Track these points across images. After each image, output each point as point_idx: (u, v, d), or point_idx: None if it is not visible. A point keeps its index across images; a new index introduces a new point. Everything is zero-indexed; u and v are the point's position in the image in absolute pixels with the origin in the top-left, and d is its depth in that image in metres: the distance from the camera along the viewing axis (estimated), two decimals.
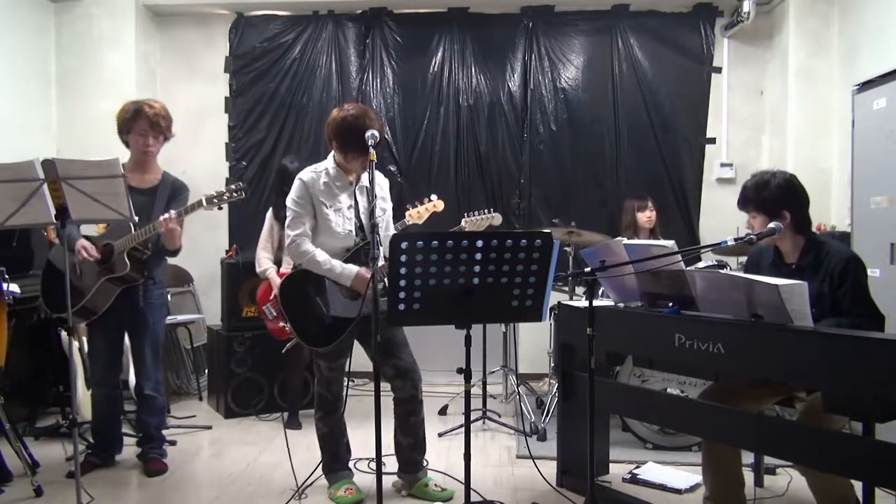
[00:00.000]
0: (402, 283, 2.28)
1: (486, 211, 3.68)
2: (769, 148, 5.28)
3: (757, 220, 2.65)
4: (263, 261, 4.10)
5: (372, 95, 5.38)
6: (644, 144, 5.28)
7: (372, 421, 2.46)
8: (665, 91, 5.27)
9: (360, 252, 3.00)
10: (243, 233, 5.35)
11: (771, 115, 5.27)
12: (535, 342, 4.95)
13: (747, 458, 2.99)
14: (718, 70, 5.33)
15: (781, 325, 2.25)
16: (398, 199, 4.92)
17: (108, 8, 5.14)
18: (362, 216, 3.06)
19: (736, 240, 2.52)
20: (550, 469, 3.27)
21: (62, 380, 4.19)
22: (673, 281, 2.60)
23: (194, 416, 4.43)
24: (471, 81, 5.35)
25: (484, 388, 4.36)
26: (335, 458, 3.17)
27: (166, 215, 3.13)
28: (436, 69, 5.37)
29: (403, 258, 2.24)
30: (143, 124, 3.32)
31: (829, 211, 4.75)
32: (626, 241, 2.89)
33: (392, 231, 3.15)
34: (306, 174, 3.01)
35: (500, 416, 4.28)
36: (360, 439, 3.37)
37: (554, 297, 3.75)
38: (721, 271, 2.81)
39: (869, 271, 2.67)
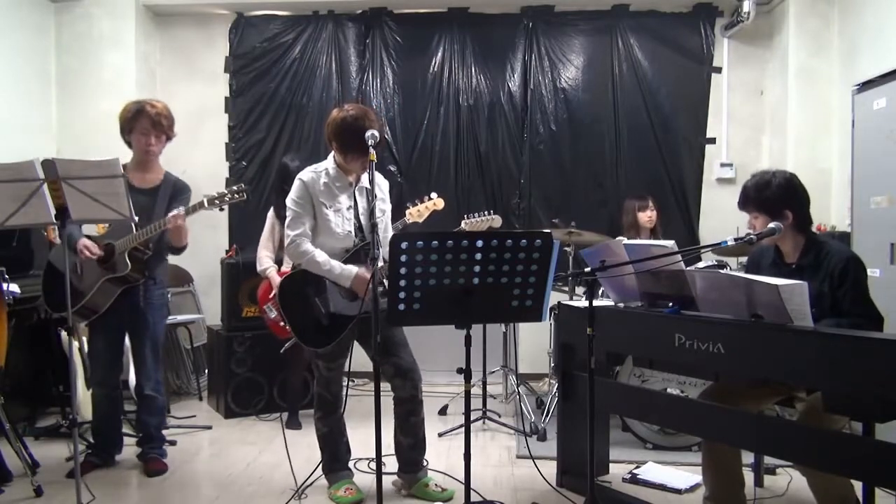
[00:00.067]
0: (402, 283, 2.28)
1: (485, 213, 3.68)
2: (769, 148, 5.29)
3: (759, 220, 2.65)
4: (264, 260, 4.10)
5: (372, 95, 5.38)
6: (644, 144, 5.28)
7: (372, 421, 2.46)
8: (665, 91, 5.27)
9: (359, 252, 3.00)
10: (243, 233, 5.35)
11: (771, 115, 5.27)
12: (535, 342, 4.95)
13: (747, 458, 2.99)
14: (718, 70, 5.33)
15: (781, 325, 2.25)
16: (398, 200, 4.94)
17: (108, 8, 5.14)
18: (361, 217, 3.06)
19: (736, 240, 2.52)
20: (550, 469, 3.27)
21: (62, 380, 4.19)
22: (673, 281, 2.60)
23: (194, 416, 4.43)
24: (471, 81, 5.35)
25: (484, 388, 4.36)
26: (335, 458, 3.17)
27: (175, 211, 3.13)
28: (436, 69, 5.37)
29: (403, 258, 2.24)
30: (145, 124, 3.32)
31: (829, 211, 4.75)
32: (626, 241, 2.89)
33: (390, 232, 3.15)
34: (306, 174, 3.01)
35: (500, 416, 4.28)
36: (360, 439, 3.37)
37: (554, 297, 3.75)
38: (721, 271, 2.81)
39: (869, 271, 2.67)
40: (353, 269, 2.93)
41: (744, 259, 3.36)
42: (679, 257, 2.57)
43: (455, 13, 5.37)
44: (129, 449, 3.59)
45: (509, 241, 2.32)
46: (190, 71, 5.52)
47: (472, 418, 2.84)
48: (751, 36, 5.26)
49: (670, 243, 2.63)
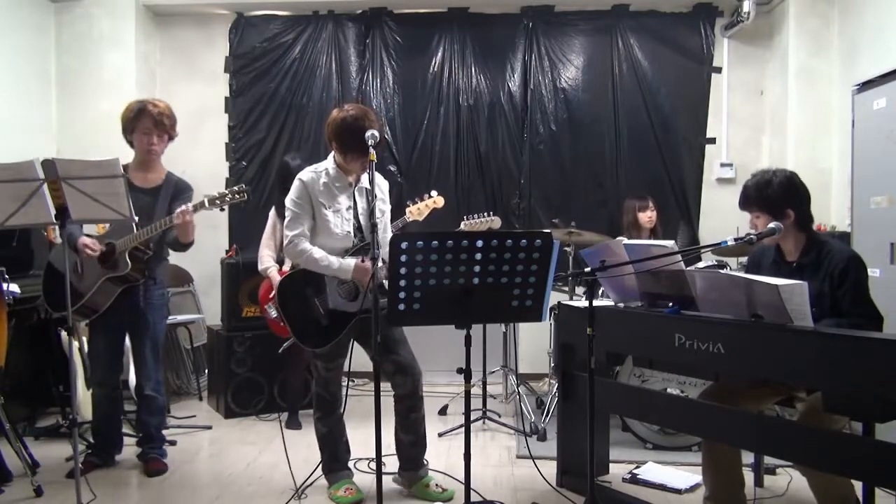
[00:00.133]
0: (402, 283, 2.28)
1: (485, 214, 3.67)
2: (769, 148, 5.29)
3: (760, 220, 2.64)
4: (266, 259, 4.10)
5: (372, 95, 5.38)
6: (644, 144, 5.28)
7: (372, 421, 2.46)
8: (665, 91, 5.27)
9: (358, 253, 3.00)
10: (243, 233, 5.35)
11: (771, 115, 5.27)
12: (535, 342, 4.95)
13: (747, 458, 2.99)
14: (718, 70, 5.33)
15: (781, 325, 2.25)
16: (398, 200, 4.94)
17: (108, 8, 5.14)
18: (361, 217, 3.06)
19: (736, 240, 2.52)
20: (550, 469, 3.27)
21: (62, 380, 4.19)
22: (673, 281, 2.60)
23: (194, 416, 4.43)
24: (471, 81, 5.35)
25: (484, 388, 4.36)
26: (335, 458, 3.17)
27: (183, 207, 3.13)
28: (436, 69, 5.37)
29: (403, 258, 2.24)
30: (146, 123, 3.32)
31: (829, 211, 4.75)
32: (626, 241, 2.89)
33: (389, 233, 3.15)
34: (306, 174, 3.01)
35: (500, 416, 4.28)
36: (360, 439, 3.37)
37: (554, 297, 3.75)
38: (721, 271, 2.81)
39: (869, 271, 2.67)
40: (351, 261, 2.94)
41: (744, 259, 3.36)
42: (679, 257, 2.57)
43: (455, 13, 5.37)
44: (129, 449, 3.59)
45: (509, 241, 2.32)
46: (190, 71, 5.52)
47: (472, 418, 2.84)
48: (751, 36, 5.26)
49: (670, 243, 2.63)
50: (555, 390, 4.00)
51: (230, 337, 4.45)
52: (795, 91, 4.94)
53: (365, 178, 3.05)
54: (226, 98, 5.51)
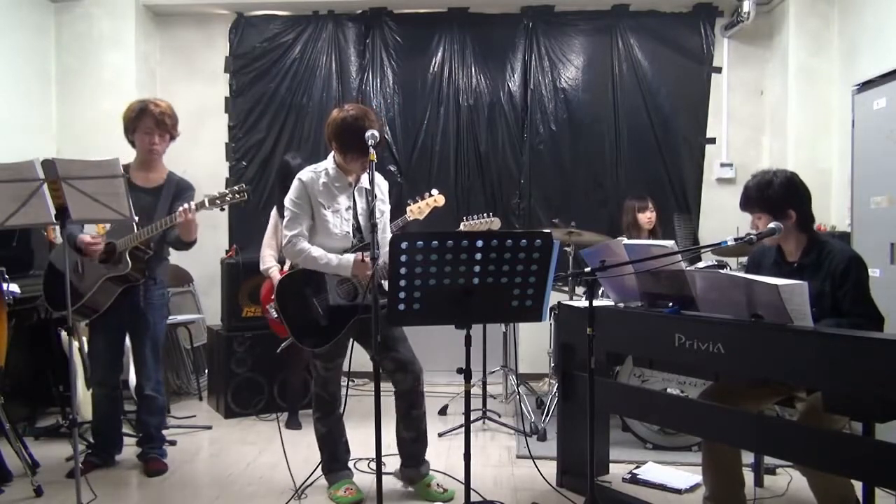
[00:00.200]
0: (402, 283, 2.28)
1: (484, 215, 3.68)
2: (769, 148, 5.29)
3: (762, 221, 2.63)
4: (267, 259, 4.10)
5: (372, 95, 5.38)
6: (644, 144, 5.28)
7: (372, 421, 2.46)
8: (665, 91, 5.27)
9: (357, 253, 3.00)
10: (243, 233, 5.36)
11: (771, 115, 5.27)
12: (535, 342, 4.95)
13: (747, 458, 2.99)
14: (718, 70, 5.33)
15: (781, 325, 2.25)
16: (398, 200, 4.94)
17: (108, 8, 5.14)
18: (360, 218, 3.06)
19: (736, 240, 2.52)
20: (550, 469, 3.27)
21: (62, 380, 4.19)
22: (673, 281, 2.60)
23: (194, 416, 4.43)
24: (471, 81, 5.35)
25: (484, 388, 4.36)
26: (334, 458, 3.17)
27: (185, 205, 3.13)
28: (436, 69, 5.38)
29: (403, 258, 2.24)
30: (148, 123, 3.32)
31: (829, 211, 4.75)
32: (626, 240, 2.89)
33: (389, 233, 3.15)
34: (306, 174, 3.01)
35: (500, 416, 4.28)
36: (360, 439, 3.37)
37: (554, 297, 3.75)
38: (721, 271, 2.81)
39: (869, 271, 2.66)
40: (350, 257, 2.94)
41: (744, 259, 3.36)
42: (679, 257, 2.57)
43: (455, 13, 5.37)
44: (129, 449, 3.59)
45: (509, 241, 2.32)
46: (190, 71, 5.52)
47: (472, 418, 2.85)
48: (751, 36, 5.26)
49: (670, 243, 2.63)
50: (555, 390, 4.00)
51: (230, 337, 4.45)
52: (795, 91, 4.94)
53: (364, 178, 3.05)
54: (226, 98, 5.52)
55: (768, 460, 3.20)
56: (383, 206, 3.13)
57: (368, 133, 2.70)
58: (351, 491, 3.06)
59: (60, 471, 3.35)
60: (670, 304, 2.61)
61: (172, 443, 3.80)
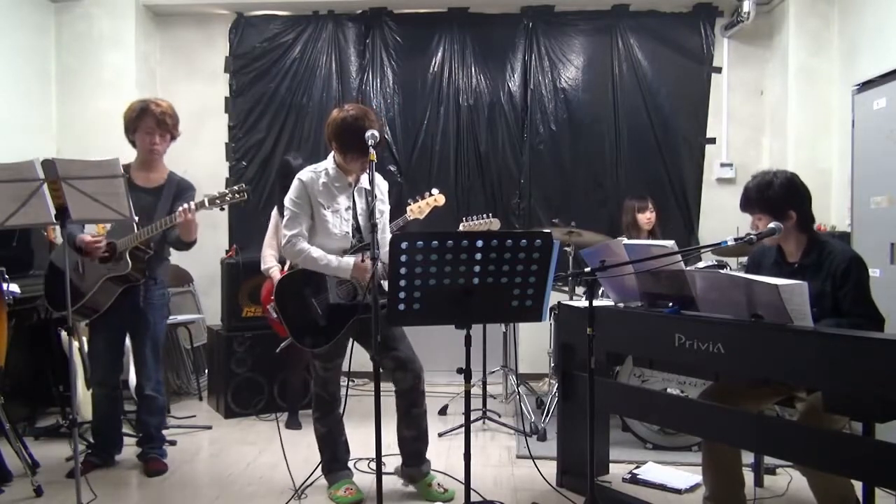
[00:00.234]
0: (402, 283, 2.28)
1: (484, 216, 3.67)
2: (769, 148, 5.29)
3: (762, 222, 2.63)
4: (268, 259, 4.10)
5: (372, 95, 5.38)
6: (644, 144, 5.28)
7: (372, 421, 2.46)
8: (665, 91, 5.27)
9: (356, 253, 3.00)
10: (243, 233, 5.36)
11: (771, 115, 5.27)
12: (535, 342, 4.95)
13: (747, 458, 2.99)
14: (718, 70, 5.33)
15: (781, 325, 2.25)
16: (398, 199, 4.94)
17: (108, 8, 5.14)
18: (360, 218, 3.06)
19: (736, 240, 2.52)
20: (550, 469, 3.27)
21: (62, 380, 4.19)
22: (673, 281, 2.60)
23: (194, 416, 4.43)
24: (471, 81, 5.35)
25: (484, 388, 4.36)
26: (334, 458, 3.17)
27: (185, 205, 3.13)
28: (436, 69, 5.37)
29: (403, 258, 2.24)
30: (149, 122, 3.32)
31: (829, 211, 4.75)
32: (626, 240, 2.89)
33: (388, 234, 3.15)
34: (305, 174, 3.01)
35: (500, 416, 4.28)
36: (360, 439, 3.37)
37: (554, 297, 3.75)
38: (721, 271, 2.81)
39: (869, 271, 2.66)
40: (350, 259, 2.94)
41: (744, 259, 3.35)
42: (679, 257, 2.57)
43: (455, 13, 5.37)
44: (129, 449, 3.59)
45: (509, 241, 2.32)
46: (190, 71, 5.52)
47: (472, 418, 2.85)
48: (751, 36, 5.26)
49: (670, 243, 2.63)
50: (555, 390, 4.00)
51: (230, 337, 4.45)
52: (795, 91, 4.94)
53: (364, 178, 3.05)
54: (226, 98, 5.52)
55: (768, 460, 3.20)
56: (383, 207, 3.13)
57: (368, 133, 2.70)
58: (351, 491, 3.06)
59: (60, 471, 3.35)
60: (670, 304, 2.61)
61: (172, 443, 3.81)
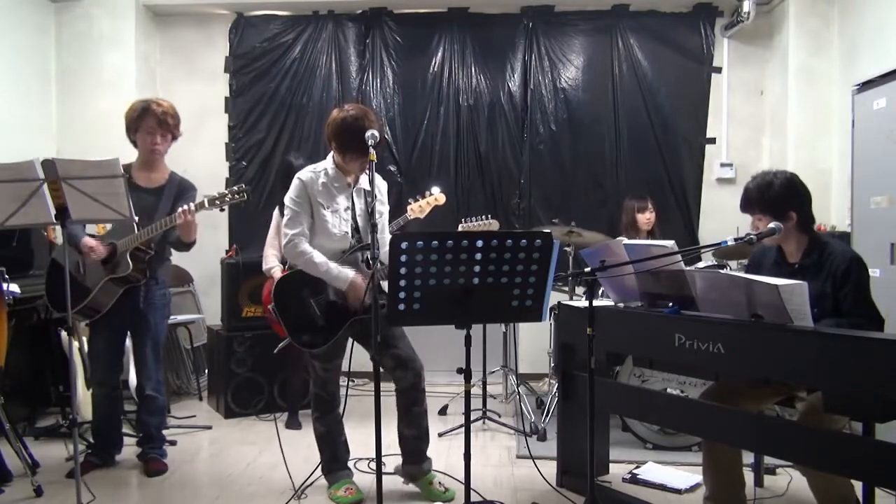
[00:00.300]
0: (402, 283, 2.28)
1: (483, 217, 3.68)
2: (769, 148, 5.29)
3: (763, 222, 2.62)
4: (270, 259, 4.09)
5: (372, 95, 5.38)
6: (644, 144, 5.28)
7: (372, 420, 2.46)
8: (665, 91, 5.27)
9: (355, 254, 3.00)
10: (243, 233, 5.36)
11: (771, 115, 5.27)
12: (535, 342, 4.95)
13: (747, 458, 2.99)
14: (718, 70, 5.33)
15: (781, 325, 2.25)
16: (398, 199, 4.95)
17: (108, 8, 5.14)
18: (359, 218, 3.06)
19: (736, 240, 2.52)
20: (550, 469, 3.27)
21: (62, 380, 4.19)
22: (673, 281, 2.60)
23: (194, 416, 4.43)
24: (471, 81, 5.35)
25: (484, 388, 4.36)
26: (334, 458, 3.17)
27: (185, 207, 3.13)
28: (436, 69, 5.37)
29: (403, 258, 2.24)
30: (150, 122, 3.32)
31: (829, 211, 4.75)
32: (626, 241, 2.89)
33: (387, 234, 3.15)
34: (305, 174, 3.01)
35: (500, 416, 4.28)
36: (360, 439, 3.37)
37: (554, 297, 3.75)
38: (721, 271, 2.81)
39: (869, 271, 2.66)
40: (349, 273, 2.93)
41: (744, 260, 3.35)
42: (679, 257, 2.57)
43: (455, 13, 5.37)
44: (129, 449, 3.59)
45: (509, 241, 2.32)
46: (190, 71, 5.52)
47: (472, 418, 2.85)
48: (751, 36, 5.26)
49: (670, 243, 2.63)
50: (555, 390, 4.00)
51: (230, 337, 4.45)
52: (795, 91, 4.94)
53: (363, 179, 3.05)
54: (226, 98, 5.52)
55: (768, 460, 3.20)
56: (382, 208, 3.13)
57: (368, 133, 2.70)
58: (351, 491, 3.06)
59: (60, 471, 3.35)
60: (670, 304, 2.61)
61: (172, 443, 3.81)
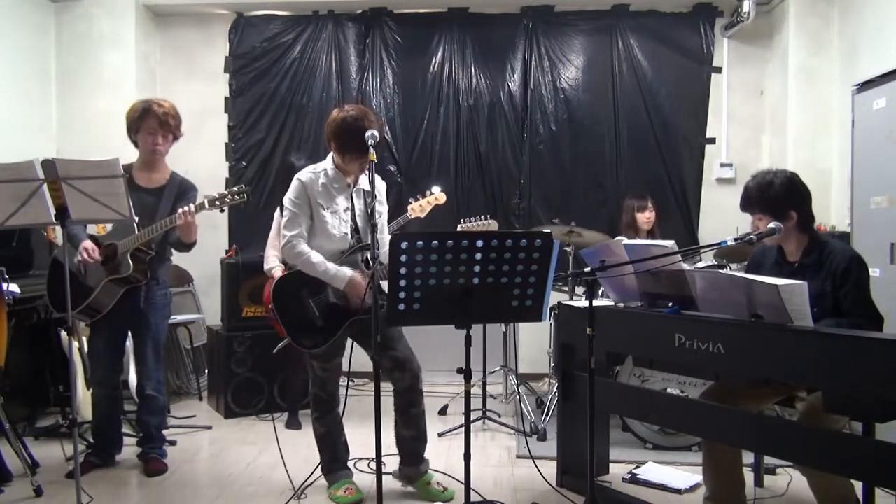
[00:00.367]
0: (402, 283, 2.27)
1: (482, 217, 3.68)
2: (769, 148, 5.29)
3: (763, 222, 2.62)
4: (271, 259, 4.08)
5: (372, 95, 5.38)
6: (644, 144, 5.28)
7: (372, 421, 2.46)
8: (665, 91, 5.27)
9: (354, 254, 3.00)
10: (243, 233, 5.36)
11: (771, 115, 5.27)
12: (535, 342, 4.95)
13: (747, 458, 2.99)
14: (718, 70, 5.33)
15: (781, 325, 2.25)
16: (398, 199, 4.95)
17: (108, 8, 5.14)
18: (358, 219, 3.06)
19: (736, 240, 2.52)
20: (550, 469, 3.27)
21: (62, 380, 4.19)
22: (673, 281, 2.60)
23: (194, 416, 4.43)
24: (471, 81, 5.35)
25: (484, 388, 4.36)
26: (334, 458, 3.17)
27: (185, 208, 3.12)
28: (436, 69, 5.37)
29: (403, 258, 2.24)
30: (152, 123, 3.31)
31: (829, 211, 4.75)
32: (626, 240, 2.89)
33: (386, 234, 3.15)
34: (304, 174, 3.01)
35: (500, 416, 4.28)
36: (359, 439, 3.37)
37: (554, 297, 3.75)
38: (721, 271, 2.81)
39: (869, 271, 2.66)
40: (347, 272, 2.93)
41: (744, 262, 3.35)
42: (679, 257, 2.57)
43: (455, 13, 5.37)
44: (129, 449, 3.59)
45: (509, 241, 2.31)
46: (190, 71, 5.52)
47: (472, 418, 2.84)
48: (751, 36, 5.26)
49: (670, 243, 2.63)
50: (555, 390, 4.00)
51: (230, 337, 4.45)
52: (795, 91, 4.93)
53: (363, 179, 3.05)
54: (226, 98, 5.52)
55: (768, 460, 3.20)
56: (381, 208, 3.13)
57: (368, 133, 2.70)
58: (351, 491, 3.06)
59: (60, 471, 3.35)
60: (670, 304, 2.61)
61: (172, 443, 3.80)
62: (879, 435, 2.19)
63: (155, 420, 3.50)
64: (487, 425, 4.20)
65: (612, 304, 2.95)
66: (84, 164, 2.79)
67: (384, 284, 2.42)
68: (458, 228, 3.66)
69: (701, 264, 3.95)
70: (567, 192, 5.34)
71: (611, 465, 3.36)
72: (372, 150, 2.67)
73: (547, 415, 4.06)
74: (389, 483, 3.17)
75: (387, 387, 2.86)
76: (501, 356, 4.66)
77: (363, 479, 3.22)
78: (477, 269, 2.31)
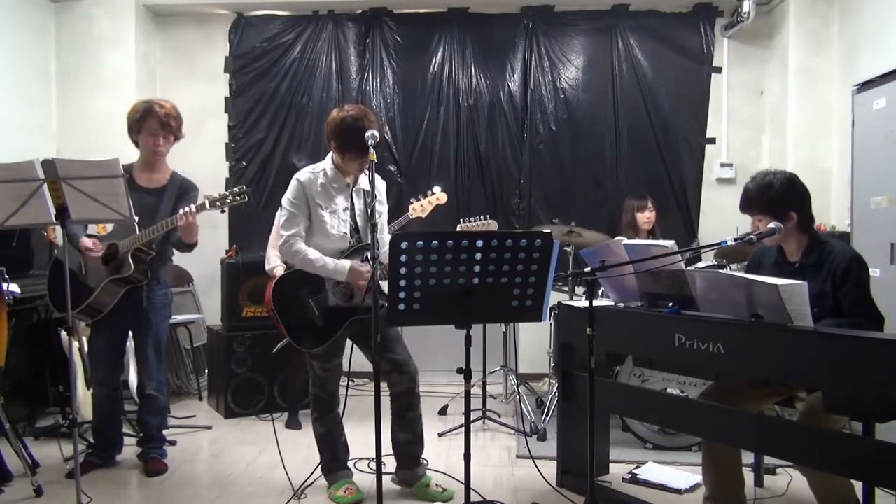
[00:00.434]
0: (402, 283, 2.27)
1: (481, 217, 3.68)
2: (769, 148, 5.29)
3: (763, 222, 2.62)
4: (272, 259, 4.08)
5: (372, 95, 5.38)
6: (644, 144, 5.28)
7: (371, 421, 2.46)
8: (665, 91, 5.27)
9: (354, 254, 3.00)
10: (243, 233, 5.36)
11: (771, 115, 5.27)
12: (535, 342, 4.95)
13: (747, 458, 2.99)
14: (718, 70, 5.33)
15: (781, 325, 2.25)
16: (398, 199, 4.95)
17: (108, 8, 5.14)
18: (358, 219, 3.06)
19: (736, 240, 2.52)
20: (550, 469, 3.27)
21: (62, 380, 4.19)
22: (673, 281, 2.60)
23: (194, 416, 4.43)
24: (471, 81, 5.35)
25: (484, 388, 4.36)
26: (334, 458, 3.17)
27: (186, 209, 3.12)
28: (436, 69, 5.37)
29: (403, 258, 2.24)
30: (153, 124, 3.31)
31: (829, 211, 4.75)
32: (626, 240, 2.89)
33: (386, 234, 3.15)
34: (303, 174, 3.01)
35: (500, 416, 4.28)
36: (359, 439, 3.37)
37: (554, 297, 3.75)
38: (721, 271, 2.81)
39: (869, 271, 2.66)
40: (346, 262, 2.94)
41: (744, 262, 3.35)
42: (679, 257, 2.57)
43: (455, 13, 5.37)
44: (129, 449, 3.59)
45: (509, 241, 2.31)
46: (190, 71, 5.52)
47: (472, 418, 2.85)
48: (751, 36, 5.26)
49: (670, 243, 2.63)
50: (555, 390, 4.00)
51: (230, 337, 4.45)
52: (795, 91, 4.94)
53: (363, 179, 3.05)
54: (226, 98, 5.51)
55: (768, 460, 3.20)
56: (381, 207, 3.13)
57: (368, 133, 2.70)
58: (351, 491, 3.06)
59: (60, 471, 3.35)
60: (670, 304, 2.61)
61: (172, 443, 3.80)
62: (879, 435, 2.19)
63: (155, 420, 3.50)
64: (487, 425, 4.20)
65: (612, 304, 2.95)
66: (84, 164, 2.79)
67: (384, 285, 2.42)
68: (458, 228, 3.66)
69: (701, 264, 3.95)
70: (567, 192, 5.34)
71: (611, 465, 3.36)
72: (372, 150, 2.67)
73: (547, 415, 4.06)
74: (389, 483, 3.17)
75: (386, 387, 2.87)
76: (501, 356, 4.66)
77: (363, 479, 3.22)
78: (477, 269, 2.31)
